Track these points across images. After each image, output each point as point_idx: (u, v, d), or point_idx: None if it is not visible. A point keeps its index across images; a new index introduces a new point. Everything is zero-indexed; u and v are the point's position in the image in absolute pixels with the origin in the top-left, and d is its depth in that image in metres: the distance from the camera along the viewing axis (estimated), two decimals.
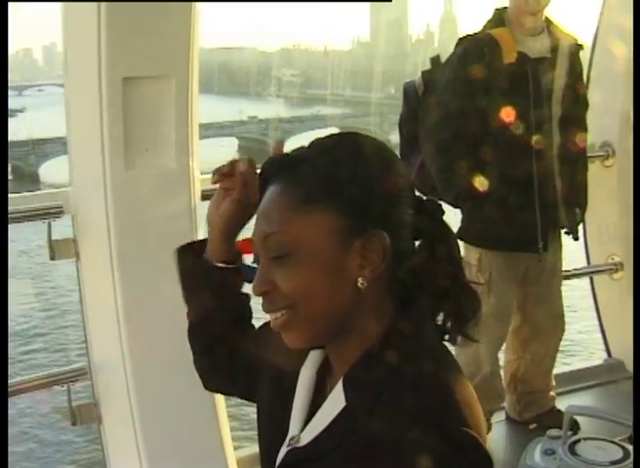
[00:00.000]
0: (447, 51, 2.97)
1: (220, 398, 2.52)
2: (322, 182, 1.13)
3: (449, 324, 1.17)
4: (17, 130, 40.48)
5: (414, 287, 1.15)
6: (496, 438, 3.14)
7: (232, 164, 1.31)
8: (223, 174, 1.32)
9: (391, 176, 1.15)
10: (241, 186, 1.30)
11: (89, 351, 2.53)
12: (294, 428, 1.21)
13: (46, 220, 2.45)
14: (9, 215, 2.45)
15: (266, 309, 1.15)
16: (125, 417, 2.43)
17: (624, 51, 3.55)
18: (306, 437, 1.17)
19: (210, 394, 2.49)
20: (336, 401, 1.13)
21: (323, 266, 1.12)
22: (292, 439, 1.20)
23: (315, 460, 1.13)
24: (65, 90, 2.46)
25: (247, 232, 1.37)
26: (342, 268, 1.11)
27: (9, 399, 2.37)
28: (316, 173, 1.14)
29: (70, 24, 2.38)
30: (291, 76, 45.31)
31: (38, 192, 2.69)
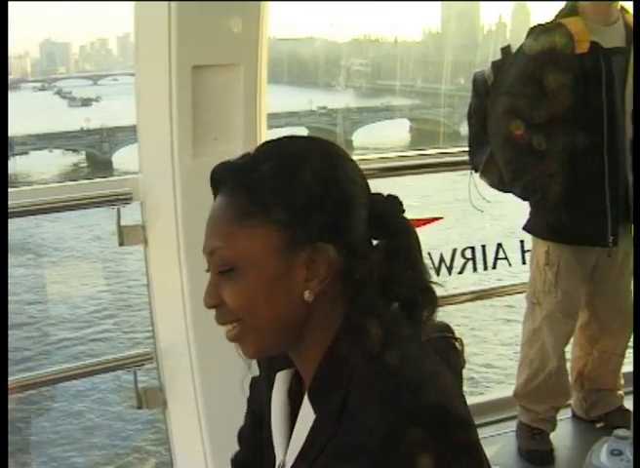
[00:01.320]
0: (518, 41, 2.93)
1: None
2: (262, 195, 1.10)
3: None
4: (91, 118, 41.33)
5: (369, 289, 1.11)
6: (561, 435, 3.10)
7: None
8: None
9: (337, 184, 1.11)
10: None
11: (155, 336, 2.57)
12: (279, 454, 1.21)
13: (115, 207, 2.49)
14: (79, 202, 2.51)
15: (218, 322, 1.17)
16: (189, 402, 2.46)
17: None
18: (290, 459, 1.16)
19: None
20: (307, 415, 1.13)
21: (268, 281, 1.10)
22: (279, 464, 1.20)
23: None
24: (136, 78, 2.50)
25: None
26: (288, 282, 1.10)
27: (75, 381, 2.42)
28: (256, 185, 1.11)
29: (142, 13, 2.41)
30: (360, 66, 45.15)
31: (108, 179, 2.72)
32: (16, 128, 43.75)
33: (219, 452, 2.43)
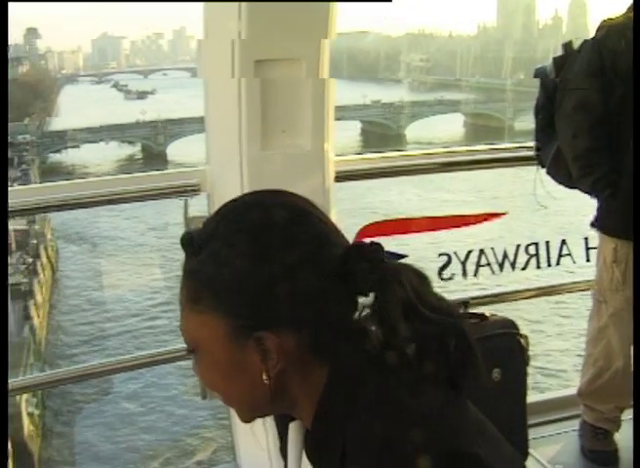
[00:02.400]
0: (574, 35, 2.89)
1: None
2: (206, 281, 1.08)
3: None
4: (146, 111, 41.83)
5: (347, 352, 1.09)
6: (625, 436, 3.05)
7: None
8: None
9: (289, 265, 1.06)
10: None
11: None
12: None
13: (183, 198, 2.51)
14: (148, 192, 2.54)
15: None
16: None
17: None
18: None
19: None
20: None
21: (223, 365, 1.10)
22: None
23: None
24: (204, 70, 2.51)
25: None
26: (242, 366, 1.08)
27: (142, 370, 2.45)
28: (201, 269, 1.09)
29: (210, 9, 2.42)
30: (419, 61, 45.00)
31: (176, 170, 2.74)
32: (72, 120, 44.52)
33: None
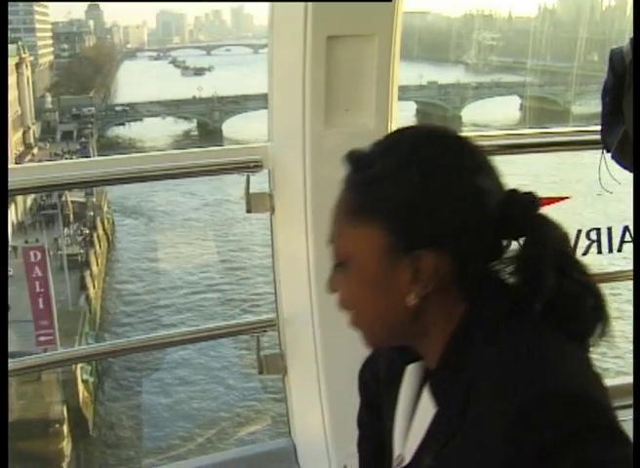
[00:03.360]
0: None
1: None
2: (372, 196, 1.11)
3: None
4: (204, 87, 42.07)
5: (489, 290, 1.11)
6: None
7: None
8: None
9: (453, 190, 1.09)
10: None
11: (278, 303, 2.60)
12: (397, 447, 1.22)
13: (245, 174, 2.53)
14: (210, 168, 2.56)
15: (338, 306, 1.21)
16: (310, 370, 2.48)
17: None
18: (409, 453, 1.17)
19: None
20: (426, 409, 1.14)
21: (371, 281, 1.13)
22: (397, 458, 1.21)
23: None
24: (269, 47, 2.51)
25: None
26: (391, 284, 1.11)
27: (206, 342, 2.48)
28: (369, 185, 1.11)
29: None
30: (491, 40, 44.47)
31: (236, 146, 2.76)
32: (131, 95, 44.98)
33: (337, 421, 2.45)
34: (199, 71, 53.93)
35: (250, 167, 2.51)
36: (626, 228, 3.30)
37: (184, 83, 47.95)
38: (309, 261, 2.44)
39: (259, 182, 2.58)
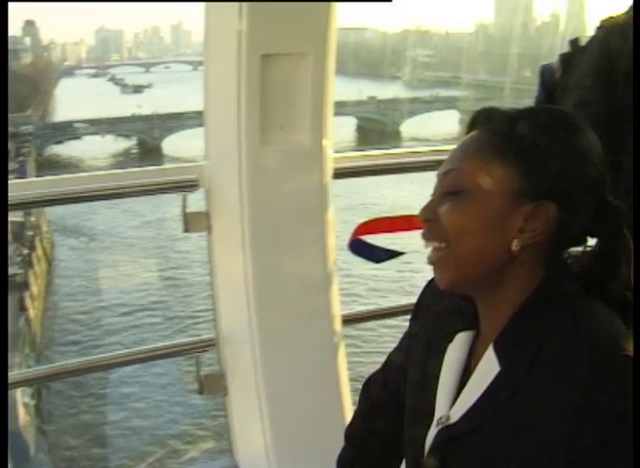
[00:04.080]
0: (573, 33, 2.89)
1: (344, 374, 2.54)
2: (514, 143, 1.17)
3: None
4: (143, 104, 41.81)
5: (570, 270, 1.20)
6: None
7: None
8: None
9: (583, 156, 1.19)
10: None
11: (217, 323, 2.59)
12: (441, 409, 1.22)
13: (181, 193, 2.51)
14: (146, 188, 2.54)
15: (424, 237, 1.22)
16: (250, 389, 2.47)
17: None
18: (457, 413, 1.19)
19: (335, 368, 2.52)
20: (487, 369, 1.17)
21: (485, 216, 1.16)
22: (440, 419, 1.21)
23: (469, 433, 1.16)
24: (204, 65, 2.51)
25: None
26: (503, 225, 1.16)
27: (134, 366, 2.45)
28: (514, 132, 1.17)
29: (213, 3, 2.42)
30: (425, 57, 44.97)
31: (173, 166, 2.74)
32: (69, 113, 44.45)
33: (279, 440, 2.45)
34: (138, 89, 53.62)
35: (186, 186, 2.50)
36: None
37: (124, 100, 47.62)
38: (247, 280, 2.44)
39: (201, 199, 2.57)
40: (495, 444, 1.12)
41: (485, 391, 1.15)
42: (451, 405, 1.21)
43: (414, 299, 1.44)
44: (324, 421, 2.52)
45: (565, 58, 2.87)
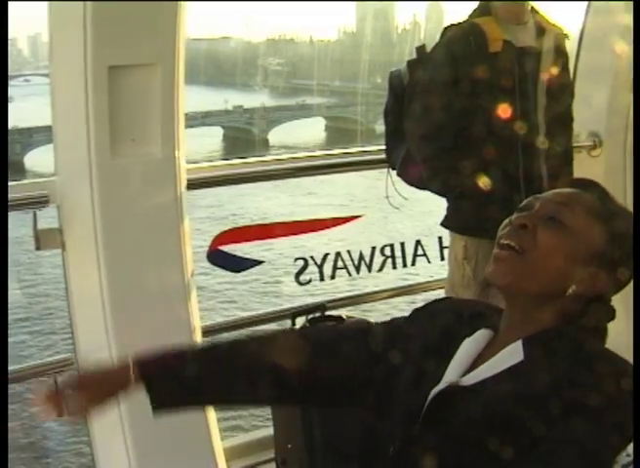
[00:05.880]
0: (433, 40, 2.97)
1: None
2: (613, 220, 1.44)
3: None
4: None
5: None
6: None
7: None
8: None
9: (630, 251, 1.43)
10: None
11: (75, 342, 2.52)
12: (450, 376, 1.42)
13: (31, 210, 2.44)
14: None
15: (505, 235, 1.45)
16: (111, 408, 2.41)
17: (614, 41, 3.58)
18: (470, 380, 1.39)
19: None
20: (511, 355, 1.38)
21: (568, 252, 1.39)
22: (451, 382, 1.40)
23: (472, 392, 1.37)
24: (51, 78, 2.45)
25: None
26: (572, 270, 1.39)
27: None
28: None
29: (56, 12, 2.37)
30: (276, 65, 45.14)
31: (24, 182, 2.65)
32: None
33: (143, 457, 2.41)
34: None
35: (34, 202, 2.43)
36: (419, 242, 3.44)
37: None
38: (103, 296, 2.39)
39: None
40: (493, 405, 1.32)
41: (503, 371, 1.37)
42: (462, 374, 1.42)
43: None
44: (188, 432, 2.49)
45: (412, 65, 2.95)
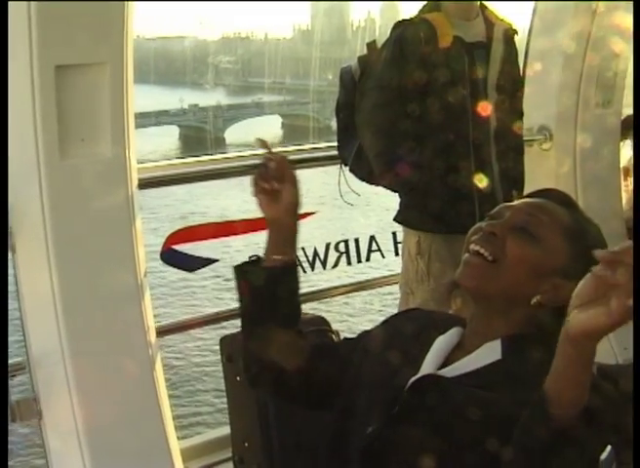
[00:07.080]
0: (386, 37, 2.98)
1: (162, 389, 2.50)
2: (580, 234, 1.49)
3: None
4: None
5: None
6: None
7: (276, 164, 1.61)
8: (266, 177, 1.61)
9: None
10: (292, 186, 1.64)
11: (27, 345, 2.48)
12: (427, 369, 1.48)
13: None
14: None
15: (476, 241, 1.50)
16: (67, 412, 2.39)
17: (563, 33, 3.64)
18: (447, 373, 1.46)
19: (153, 385, 2.48)
20: (489, 353, 1.45)
21: (537, 266, 1.46)
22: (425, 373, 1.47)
23: (450, 382, 1.43)
24: None
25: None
26: (539, 281, 1.45)
27: None
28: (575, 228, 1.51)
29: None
30: (228, 64, 44.98)
31: None
32: None
33: (98, 460, 2.38)
34: None
35: None
36: (373, 238, 3.45)
37: None
38: (55, 299, 2.35)
39: None
40: (468, 397, 1.38)
41: (481, 367, 1.44)
42: (438, 369, 1.48)
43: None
44: (143, 432, 2.47)
45: (363, 61, 2.96)
